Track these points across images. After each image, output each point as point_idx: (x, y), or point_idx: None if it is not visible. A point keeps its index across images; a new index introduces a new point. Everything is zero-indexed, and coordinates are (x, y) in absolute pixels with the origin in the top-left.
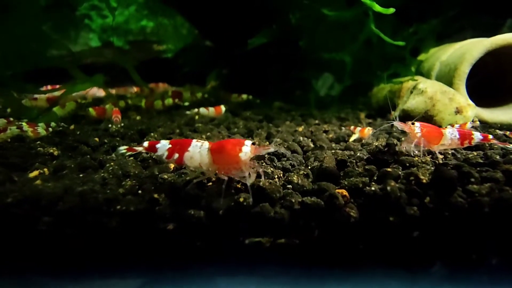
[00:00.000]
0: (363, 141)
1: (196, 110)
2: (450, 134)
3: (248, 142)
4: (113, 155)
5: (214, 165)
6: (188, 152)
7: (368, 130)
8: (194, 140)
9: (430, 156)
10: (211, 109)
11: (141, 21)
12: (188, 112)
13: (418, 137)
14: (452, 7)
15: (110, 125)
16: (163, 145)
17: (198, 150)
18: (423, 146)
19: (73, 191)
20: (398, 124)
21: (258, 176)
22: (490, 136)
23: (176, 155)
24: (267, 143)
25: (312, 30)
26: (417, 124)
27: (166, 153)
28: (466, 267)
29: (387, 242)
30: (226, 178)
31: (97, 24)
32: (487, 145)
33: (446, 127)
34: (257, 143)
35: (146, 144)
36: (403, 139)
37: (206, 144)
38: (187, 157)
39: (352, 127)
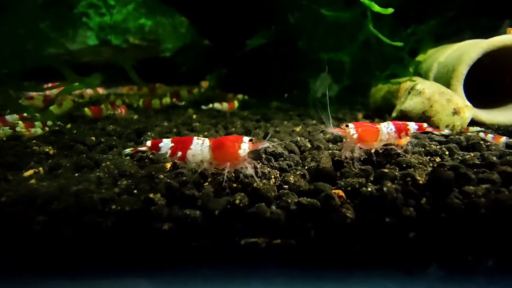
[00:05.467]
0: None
1: (211, 105)
2: (386, 129)
3: (246, 139)
4: (120, 155)
5: (214, 161)
6: (191, 150)
7: (405, 139)
8: (195, 138)
9: (428, 156)
10: (225, 104)
11: (139, 20)
12: (203, 107)
13: (355, 138)
14: (450, 8)
15: (111, 113)
16: (166, 144)
17: (200, 147)
18: (363, 146)
19: (68, 191)
20: (333, 130)
21: (256, 171)
22: (425, 125)
23: (179, 153)
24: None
25: (310, 31)
26: (350, 125)
27: (169, 152)
28: (462, 268)
29: (384, 243)
30: (226, 172)
31: (95, 23)
32: (484, 146)
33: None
34: (254, 139)
35: (149, 143)
36: (343, 145)
37: (207, 141)
38: (190, 155)
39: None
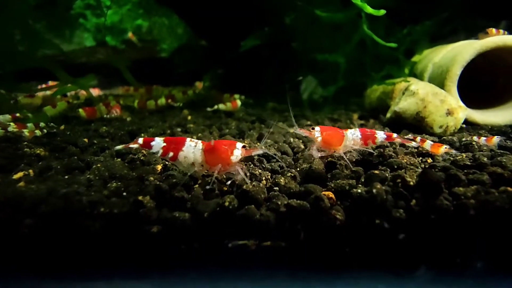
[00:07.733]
0: (437, 157)
1: (216, 106)
2: (352, 135)
3: (239, 145)
4: (112, 157)
5: (206, 164)
6: (183, 151)
7: (445, 149)
8: (188, 139)
9: (420, 157)
10: (228, 104)
11: (136, 21)
12: (209, 109)
13: (318, 141)
14: (446, 8)
15: (106, 116)
16: (158, 143)
17: (192, 150)
18: (327, 149)
19: (56, 193)
20: (299, 131)
21: (246, 174)
22: (394, 135)
23: (171, 154)
24: (258, 144)
25: (305, 31)
26: (316, 128)
27: (160, 151)
28: (451, 270)
29: (374, 245)
30: (216, 174)
31: (92, 24)
32: (476, 146)
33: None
34: (247, 146)
35: (140, 140)
36: (309, 145)
37: (200, 144)
38: (181, 156)
39: (418, 139)
